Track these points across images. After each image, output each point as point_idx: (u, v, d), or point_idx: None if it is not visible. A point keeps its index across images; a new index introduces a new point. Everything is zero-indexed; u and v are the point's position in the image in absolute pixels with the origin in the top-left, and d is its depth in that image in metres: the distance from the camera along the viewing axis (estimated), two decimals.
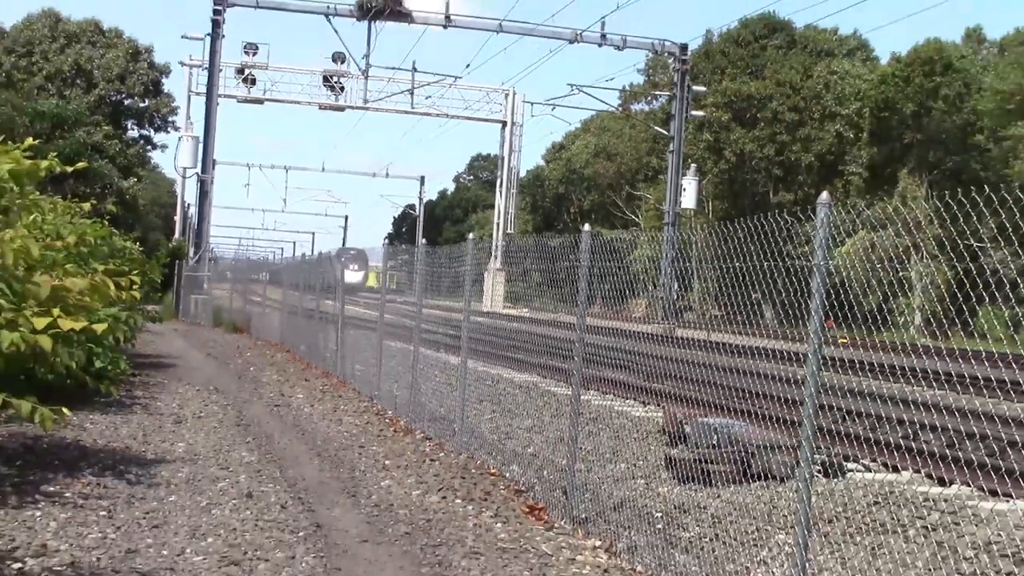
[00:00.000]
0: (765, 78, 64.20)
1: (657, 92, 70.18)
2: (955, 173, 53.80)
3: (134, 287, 14.50)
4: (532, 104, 61.41)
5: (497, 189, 63.67)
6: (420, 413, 14.65)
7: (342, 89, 52.04)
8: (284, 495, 9.89)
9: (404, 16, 47.92)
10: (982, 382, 14.74)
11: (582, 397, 10.05)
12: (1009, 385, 14.56)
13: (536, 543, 8.55)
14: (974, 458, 10.54)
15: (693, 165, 53.80)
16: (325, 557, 7.85)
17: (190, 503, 9.31)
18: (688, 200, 50.36)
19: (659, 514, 9.39)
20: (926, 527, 8.66)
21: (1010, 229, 6.34)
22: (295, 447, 12.88)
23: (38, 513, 8.53)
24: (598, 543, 8.60)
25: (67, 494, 9.30)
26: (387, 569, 7.66)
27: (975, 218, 6.18)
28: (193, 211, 50.77)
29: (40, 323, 7.75)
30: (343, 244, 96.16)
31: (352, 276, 29.91)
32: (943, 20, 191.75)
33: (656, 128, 63.45)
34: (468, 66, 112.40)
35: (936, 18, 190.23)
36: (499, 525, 9.11)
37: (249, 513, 9.07)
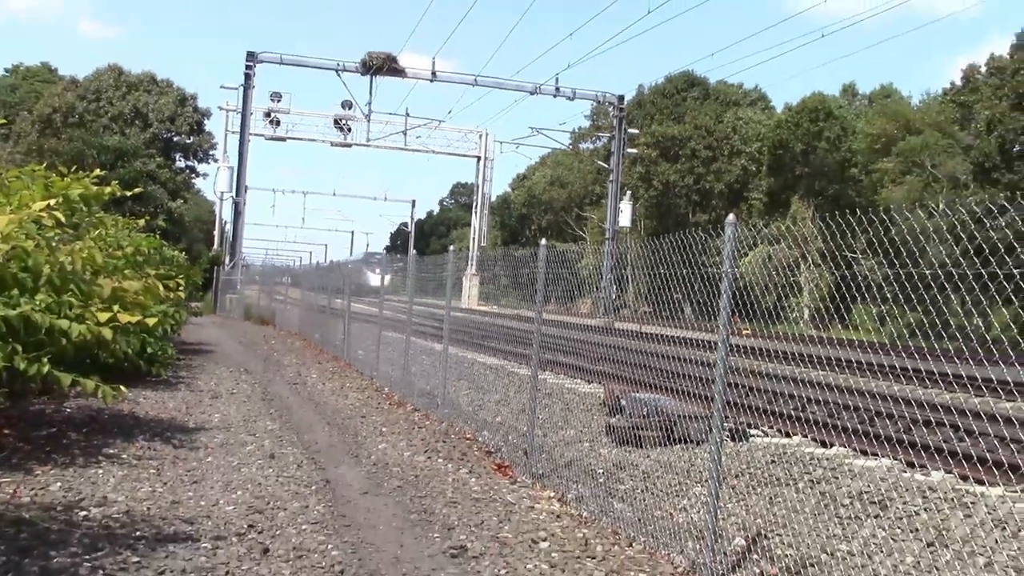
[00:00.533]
0: (685, 123, 64.53)
1: (600, 134, 70.31)
2: (835, 199, 54.25)
3: (180, 288, 14.42)
4: (501, 143, 61.80)
5: (473, 211, 63.77)
6: (411, 390, 14.57)
7: (349, 130, 51.84)
8: (300, 456, 9.80)
9: (399, 72, 47.87)
10: (856, 365, 14.82)
11: (539, 377, 10.01)
12: (876, 368, 14.64)
13: (503, 494, 8.51)
14: (849, 425, 10.60)
15: (628, 192, 54.06)
16: (332, 506, 7.78)
17: (224, 463, 9.21)
18: (624, 220, 50.54)
19: (600, 471, 9.37)
20: (812, 480, 8.68)
21: (876, 243, 6.37)
22: (309, 417, 12.77)
23: (100, 471, 8.41)
24: (552, 494, 8.57)
25: (124, 456, 9.17)
26: (382, 515, 7.60)
27: (850, 235, 6.20)
28: (229, 227, 50.39)
29: (103, 317, 7.68)
30: (352, 253, 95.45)
31: (376, 279, 29.59)
32: (826, 77, 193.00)
33: (599, 162, 63.54)
34: (450, 112, 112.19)
35: (820, 75, 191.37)
36: (473, 480, 9.07)
37: (271, 471, 8.98)
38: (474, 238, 60.32)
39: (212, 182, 53.12)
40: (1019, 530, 6.94)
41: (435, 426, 12.07)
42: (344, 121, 51.35)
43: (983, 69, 48.44)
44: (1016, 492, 8.05)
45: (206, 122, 68.09)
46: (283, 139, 52.43)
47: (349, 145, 52.82)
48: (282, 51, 47.63)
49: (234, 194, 47.17)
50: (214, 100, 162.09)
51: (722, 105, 67.10)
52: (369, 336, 18.65)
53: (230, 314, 40.80)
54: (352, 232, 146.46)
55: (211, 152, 67.58)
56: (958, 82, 51.31)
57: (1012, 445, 9.40)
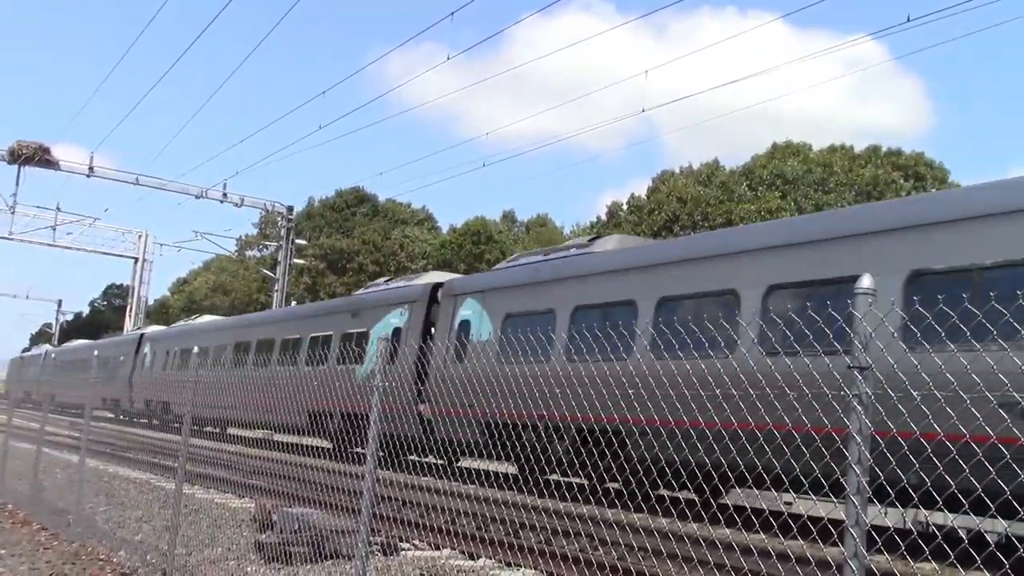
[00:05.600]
0: (354, 237, 65.49)
1: (267, 243, 69.64)
2: None
3: None
4: (162, 245, 59.38)
5: (127, 313, 60.55)
6: (40, 507, 13.28)
7: None
8: None
9: (51, 164, 45.03)
10: (508, 479, 15.37)
11: (186, 491, 9.53)
12: (522, 481, 15.23)
13: None
14: (496, 538, 10.94)
15: (294, 302, 53.54)
16: None
17: None
18: None
19: None
20: None
21: None
22: None
23: None
24: None
25: None
26: None
27: None
28: None
29: None
30: None
31: None
32: (489, 202, 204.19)
33: (265, 271, 62.67)
34: (107, 209, 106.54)
35: (483, 200, 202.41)
36: None
37: None
38: None
39: None
40: None
41: (64, 547, 11.04)
42: None
43: (625, 206, 53.46)
44: None
45: None
46: None
47: None
48: None
49: None
50: None
51: (390, 222, 68.90)
52: None
53: None
54: None
55: None
56: (603, 217, 56.21)
57: (639, 553, 10.12)
